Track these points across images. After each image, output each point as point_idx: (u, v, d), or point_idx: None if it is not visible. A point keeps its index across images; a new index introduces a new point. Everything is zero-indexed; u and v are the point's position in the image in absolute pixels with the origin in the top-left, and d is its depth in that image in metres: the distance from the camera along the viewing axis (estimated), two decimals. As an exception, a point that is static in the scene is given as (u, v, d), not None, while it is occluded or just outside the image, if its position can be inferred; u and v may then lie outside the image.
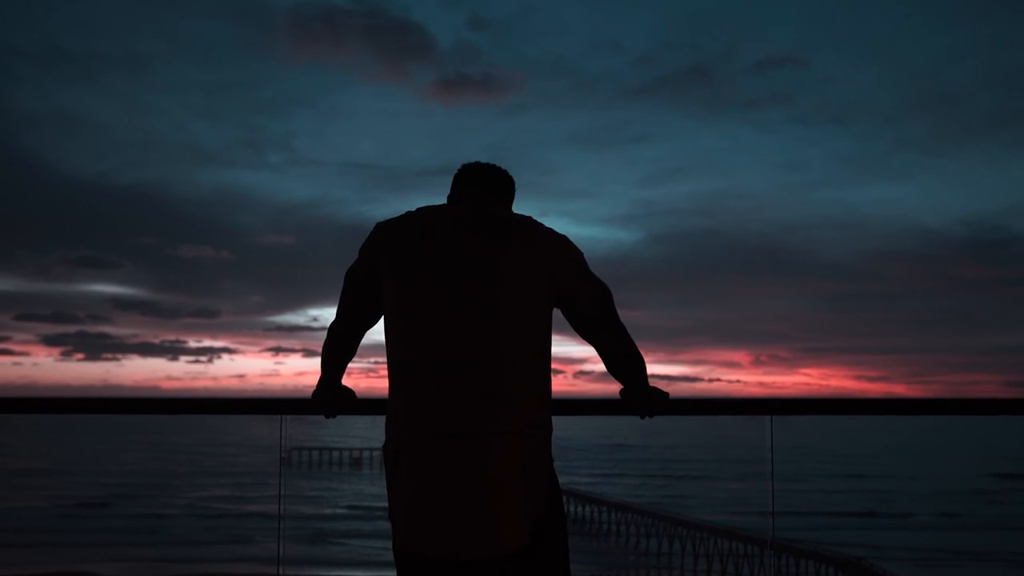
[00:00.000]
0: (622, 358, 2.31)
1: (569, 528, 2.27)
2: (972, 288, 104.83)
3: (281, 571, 3.29)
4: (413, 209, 2.22)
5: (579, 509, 28.68)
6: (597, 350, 2.30)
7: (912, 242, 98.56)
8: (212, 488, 35.99)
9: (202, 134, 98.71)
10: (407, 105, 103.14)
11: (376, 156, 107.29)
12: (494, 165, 2.34)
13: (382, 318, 2.23)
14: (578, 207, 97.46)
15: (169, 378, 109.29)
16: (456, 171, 2.34)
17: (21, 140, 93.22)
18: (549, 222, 2.27)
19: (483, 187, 2.27)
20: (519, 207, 2.36)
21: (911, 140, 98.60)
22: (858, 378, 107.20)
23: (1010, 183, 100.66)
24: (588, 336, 2.27)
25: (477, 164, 2.34)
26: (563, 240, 2.21)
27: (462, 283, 2.07)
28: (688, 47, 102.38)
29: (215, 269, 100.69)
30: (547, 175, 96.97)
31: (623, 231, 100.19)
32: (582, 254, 2.24)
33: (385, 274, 2.15)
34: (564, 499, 2.30)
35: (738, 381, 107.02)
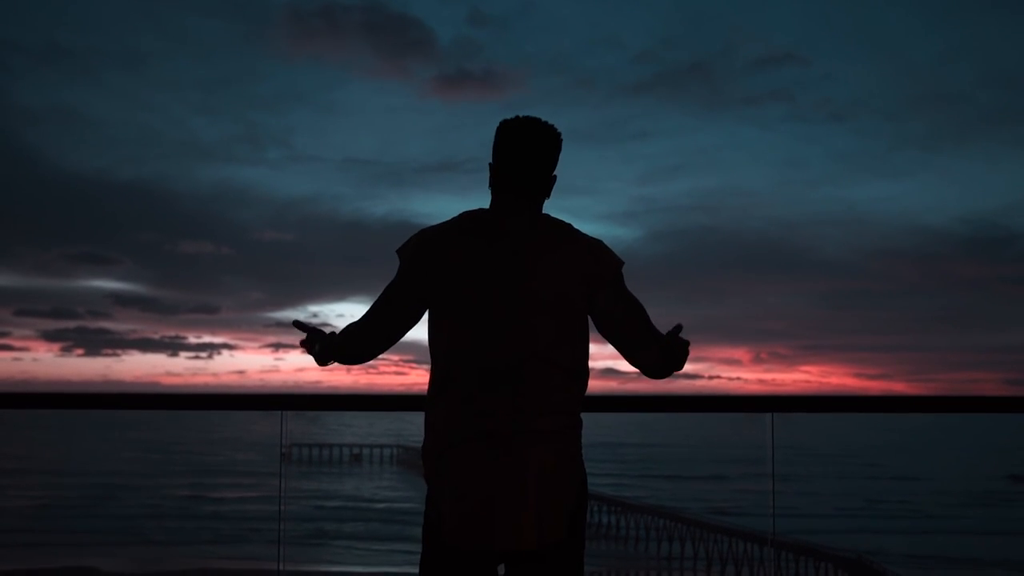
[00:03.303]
0: (653, 370, 2.23)
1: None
2: (971, 286, 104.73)
3: (281, 568, 3.26)
4: (455, 216, 2.20)
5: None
6: (631, 362, 2.23)
7: (912, 240, 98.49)
8: (212, 485, 35.95)
9: (201, 130, 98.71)
10: (406, 101, 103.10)
11: (375, 152, 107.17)
12: (535, 140, 2.16)
13: (406, 329, 2.24)
14: (577, 204, 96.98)
15: (169, 374, 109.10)
16: (499, 129, 2.19)
17: (20, 136, 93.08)
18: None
19: (523, 188, 2.17)
20: None
21: (911, 138, 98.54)
22: (858, 375, 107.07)
23: (1010, 181, 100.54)
24: (619, 346, 2.22)
25: (519, 145, 2.16)
26: (599, 245, 2.22)
27: (502, 291, 2.09)
28: (688, 44, 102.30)
29: (215, 265, 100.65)
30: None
31: (622, 228, 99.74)
32: (621, 262, 2.23)
33: (426, 283, 2.14)
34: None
35: (738, 378, 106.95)
